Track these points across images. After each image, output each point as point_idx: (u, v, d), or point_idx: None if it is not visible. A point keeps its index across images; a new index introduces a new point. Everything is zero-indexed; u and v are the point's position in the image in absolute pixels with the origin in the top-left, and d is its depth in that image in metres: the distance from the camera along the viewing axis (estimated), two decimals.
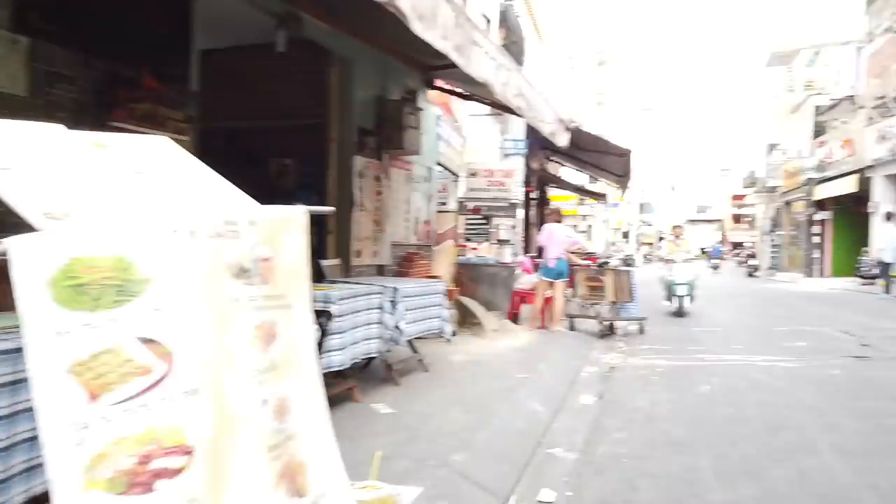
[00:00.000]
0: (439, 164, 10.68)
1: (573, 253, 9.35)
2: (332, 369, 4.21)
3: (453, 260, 9.84)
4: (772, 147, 35.08)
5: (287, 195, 8.06)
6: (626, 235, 46.73)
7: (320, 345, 4.33)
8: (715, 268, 31.41)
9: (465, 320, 8.51)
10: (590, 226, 32.21)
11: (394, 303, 5.10)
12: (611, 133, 18.41)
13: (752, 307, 13.87)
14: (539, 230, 8.99)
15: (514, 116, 12.05)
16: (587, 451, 4.22)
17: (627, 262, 25.53)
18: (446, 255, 10.43)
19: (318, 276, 6.31)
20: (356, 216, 7.56)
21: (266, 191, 7.24)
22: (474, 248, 10.08)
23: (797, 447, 4.27)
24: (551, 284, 8.93)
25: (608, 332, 9.68)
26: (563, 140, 8.06)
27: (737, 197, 64.60)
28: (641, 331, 9.67)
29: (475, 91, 8.67)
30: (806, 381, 6.23)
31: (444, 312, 5.94)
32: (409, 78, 8.90)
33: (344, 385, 4.64)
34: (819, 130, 27.29)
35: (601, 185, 28.07)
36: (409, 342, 5.78)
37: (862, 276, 17.13)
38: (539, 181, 18.88)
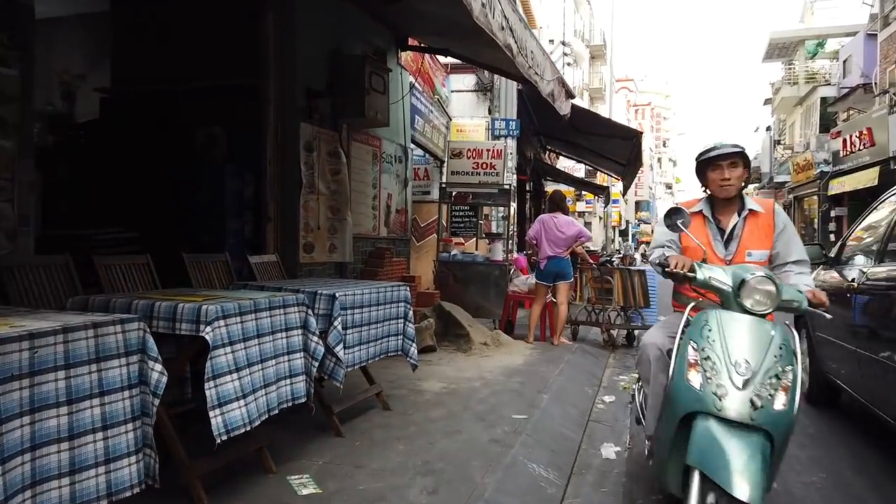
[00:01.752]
0: (417, 143, 9.03)
1: (579, 249, 7.70)
2: (223, 435, 2.55)
3: (435, 257, 8.20)
4: (776, 142, 33.61)
5: (215, 170, 6.43)
6: (623, 233, 45.22)
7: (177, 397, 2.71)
8: None
9: (448, 331, 6.86)
10: (588, 223, 30.67)
11: (327, 317, 3.45)
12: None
13: None
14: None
15: (505, 94, 10.40)
16: None
17: (625, 260, 23.97)
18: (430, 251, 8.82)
19: (247, 275, 4.67)
20: (306, 200, 5.91)
21: (190, 165, 5.58)
22: (460, 244, 8.44)
23: None
24: (552, 288, 7.29)
25: (625, 342, 8.15)
26: (564, 107, 6.44)
27: None
28: None
29: (453, 45, 7.03)
30: None
31: (409, 328, 4.28)
32: (375, 35, 7.26)
33: (248, 446, 2.99)
34: (826, 123, 25.81)
35: (601, 180, 26.52)
36: (364, 369, 4.14)
37: None
38: (535, 172, 17.26)
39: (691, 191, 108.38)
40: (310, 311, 3.16)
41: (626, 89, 56.84)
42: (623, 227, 44.59)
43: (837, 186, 21.43)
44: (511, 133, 10.11)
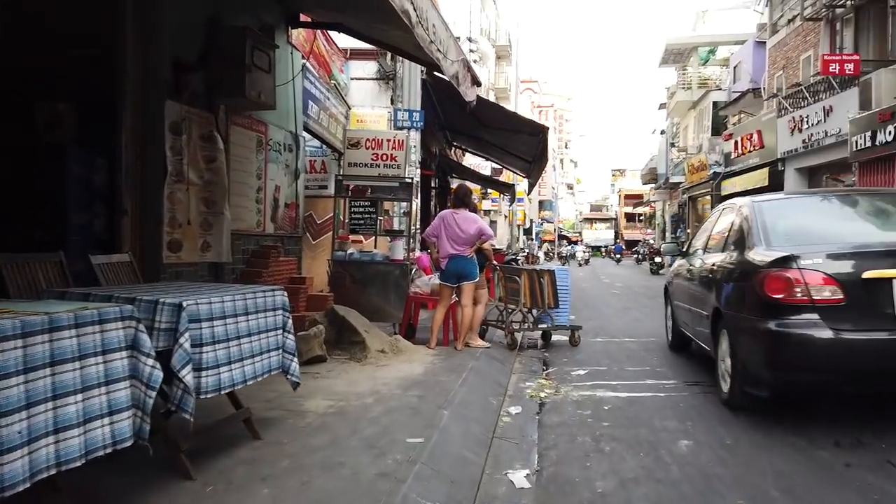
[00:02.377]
0: (312, 132, 8.31)
1: (486, 247, 7.26)
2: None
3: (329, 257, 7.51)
4: (671, 144, 34.95)
5: (60, 154, 5.47)
6: (528, 232, 45.80)
7: None
8: (618, 261, 36.20)
9: (342, 339, 6.21)
10: (493, 221, 30.67)
11: (170, 333, 2.74)
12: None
13: None
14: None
15: (408, 83, 9.83)
16: None
17: (529, 259, 24.10)
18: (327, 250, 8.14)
19: (90, 279, 3.86)
20: (172, 191, 5.09)
21: (31, 148, 4.59)
22: (357, 242, 7.79)
23: None
24: (457, 289, 6.79)
25: (542, 342, 7.88)
26: (470, 94, 5.95)
27: (630, 196, 65.87)
28: (573, 343, 7.77)
29: (347, 20, 6.39)
30: None
31: (289, 340, 3.62)
32: (262, 9, 6.50)
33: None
34: (718, 126, 26.98)
35: (506, 178, 26.49)
36: (230, 393, 3.43)
37: None
38: (440, 168, 16.82)
39: (592, 191, 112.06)
40: (141, 327, 2.45)
41: (531, 90, 57.75)
42: (527, 225, 45.17)
43: (730, 187, 22.33)
44: (415, 124, 9.55)
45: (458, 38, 23.51)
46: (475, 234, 6.61)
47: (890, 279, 3.94)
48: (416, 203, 9.27)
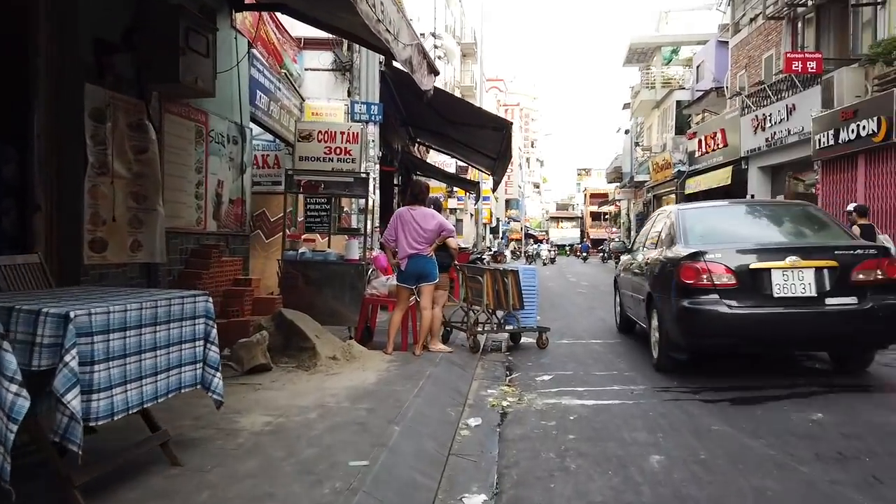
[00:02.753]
0: (262, 125, 7.83)
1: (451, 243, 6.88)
2: None
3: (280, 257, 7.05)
4: (636, 143, 35.07)
5: None
6: (494, 231, 45.62)
7: None
8: (584, 259, 37.94)
9: (290, 345, 5.76)
10: (459, 220, 30.32)
11: (55, 349, 2.29)
12: None
13: None
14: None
15: (366, 75, 9.39)
16: None
17: (496, 258, 23.80)
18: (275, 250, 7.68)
19: None
20: (94, 185, 4.59)
21: None
22: (311, 240, 7.33)
23: None
24: (417, 291, 6.40)
25: (511, 344, 7.58)
26: (426, 82, 5.57)
27: (595, 195, 66.29)
28: (541, 346, 7.45)
29: (291, 1, 5.94)
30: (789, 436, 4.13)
31: (212, 353, 3.18)
32: None
33: None
34: (681, 125, 27.07)
35: (472, 176, 26.15)
36: (144, 413, 2.99)
37: None
38: (403, 165, 16.39)
39: (558, 190, 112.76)
40: (6, 345, 2.00)
41: (497, 89, 57.59)
42: (494, 224, 44.99)
43: (694, 185, 22.36)
44: (373, 118, 9.11)
45: (423, 34, 23.07)
46: (435, 231, 6.23)
47: (769, 269, 5.25)
48: (374, 199, 8.84)
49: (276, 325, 5.81)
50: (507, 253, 37.22)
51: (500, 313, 7.62)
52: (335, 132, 7.02)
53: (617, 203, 46.07)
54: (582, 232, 68.29)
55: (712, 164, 20.93)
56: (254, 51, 7.18)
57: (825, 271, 5.21)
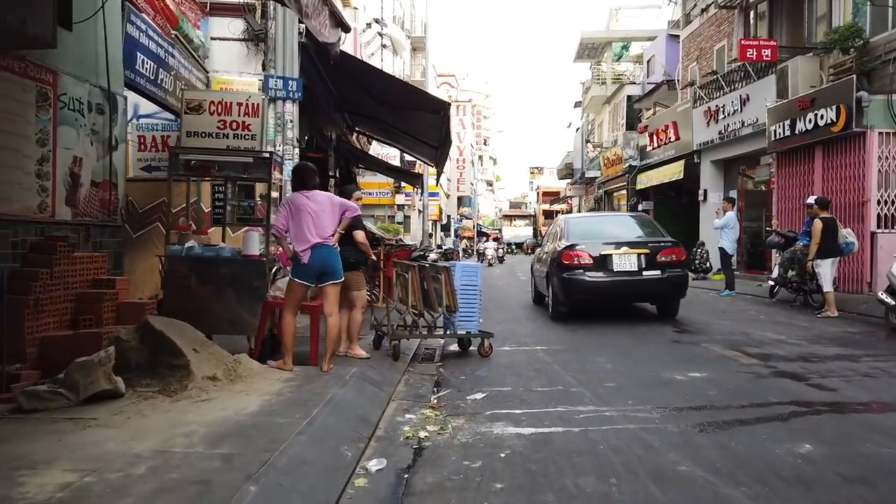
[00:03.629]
0: (148, 96, 6.61)
1: (356, 241, 5.81)
2: None
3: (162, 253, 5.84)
4: (587, 140, 34.57)
5: None
6: (445, 228, 44.63)
7: None
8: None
9: (158, 362, 4.59)
10: (407, 216, 29.17)
11: None
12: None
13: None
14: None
15: (283, 46, 8.20)
16: None
17: (447, 256, 22.80)
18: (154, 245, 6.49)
19: None
20: None
21: None
22: (202, 234, 6.15)
23: None
24: (320, 291, 5.31)
25: (433, 356, 6.61)
26: (329, 35, 4.50)
27: (547, 194, 66.01)
28: (483, 353, 6.48)
29: None
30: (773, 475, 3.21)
31: None
32: None
33: None
34: (632, 121, 26.54)
35: (419, 170, 25.08)
36: None
37: (692, 270, 15.55)
38: (341, 155, 15.20)
39: (511, 188, 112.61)
40: None
41: (448, 84, 56.60)
42: (444, 221, 44.01)
43: (645, 180, 21.78)
44: (291, 94, 7.95)
45: (369, 23, 21.85)
46: (336, 211, 5.17)
47: (611, 255, 8.56)
48: (282, 183, 7.68)
49: (141, 338, 4.63)
50: (460, 251, 36.22)
51: (430, 316, 6.61)
52: (230, 103, 5.84)
53: (569, 200, 45.62)
54: (535, 230, 67.93)
55: (664, 158, 20.36)
56: (131, 6, 5.96)
57: (642, 256, 8.59)
